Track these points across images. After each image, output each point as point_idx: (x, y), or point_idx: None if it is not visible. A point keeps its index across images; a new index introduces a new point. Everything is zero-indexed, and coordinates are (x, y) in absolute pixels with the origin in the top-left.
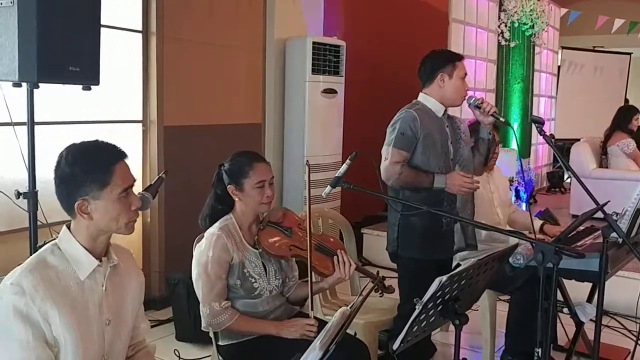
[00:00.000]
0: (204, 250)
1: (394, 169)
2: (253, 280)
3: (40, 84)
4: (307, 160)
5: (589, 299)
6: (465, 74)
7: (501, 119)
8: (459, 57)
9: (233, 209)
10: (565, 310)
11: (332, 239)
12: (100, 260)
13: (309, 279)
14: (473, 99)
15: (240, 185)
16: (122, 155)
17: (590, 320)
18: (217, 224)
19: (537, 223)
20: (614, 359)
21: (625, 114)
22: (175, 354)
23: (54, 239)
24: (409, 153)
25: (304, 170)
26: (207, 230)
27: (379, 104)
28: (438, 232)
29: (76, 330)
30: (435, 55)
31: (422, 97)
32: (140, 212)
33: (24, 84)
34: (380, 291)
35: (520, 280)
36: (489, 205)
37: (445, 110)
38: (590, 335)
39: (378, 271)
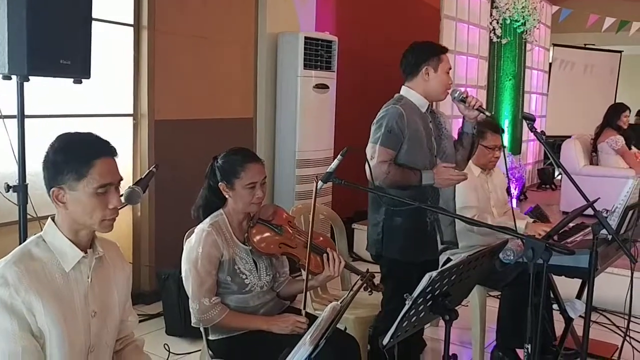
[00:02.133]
0: (194, 247)
1: (381, 168)
2: (244, 277)
3: (30, 77)
4: (317, 177)
5: (579, 296)
6: (450, 68)
7: (487, 113)
8: (444, 50)
9: (225, 204)
10: (555, 306)
11: (322, 237)
12: (86, 252)
13: (305, 279)
14: (457, 92)
15: (231, 184)
16: (108, 151)
17: (580, 316)
18: (207, 220)
19: (524, 222)
20: (602, 354)
21: (614, 111)
22: (165, 349)
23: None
24: (395, 151)
25: (294, 164)
26: (197, 226)
27: (370, 100)
28: (423, 233)
29: (61, 321)
30: (419, 47)
31: (404, 91)
32: (130, 206)
33: (14, 77)
34: (369, 289)
35: (511, 277)
36: (485, 204)
37: (429, 105)
38: (579, 332)
39: (367, 269)
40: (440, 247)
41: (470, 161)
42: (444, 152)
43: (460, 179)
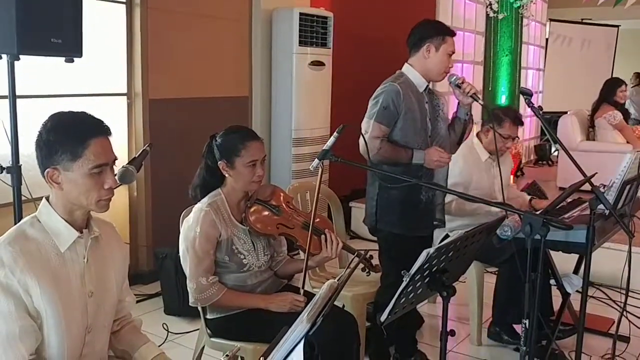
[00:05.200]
0: (192, 226)
1: (373, 143)
2: (242, 257)
3: (21, 56)
4: (322, 163)
5: (576, 271)
6: (453, 52)
7: (480, 101)
8: (451, 33)
9: (223, 184)
10: (552, 281)
11: (319, 218)
12: (81, 232)
13: (305, 260)
14: (454, 77)
15: (231, 163)
16: (102, 131)
17: (577, 291)
18: (205, 199)
19: (525, 198)
20: (598, 328)
21: (610, 86)
22: (164, 328)
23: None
24: (389, 128)
25: (290, 143)
26: (195, 206)
27: (366, 76)
28: (417, 207)
29: (57, 302)
30: (426, 24)
31: (405, 69)
32: (126, 186)
33: (4, 56)
34: (367, 270)
35: (508, 253)
36: (489, 190)
37: (427, 85)
38: (576, 306)
39: (367, 251)
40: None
41: (481, 144)
42: (438, 134)
43: (447, 162)
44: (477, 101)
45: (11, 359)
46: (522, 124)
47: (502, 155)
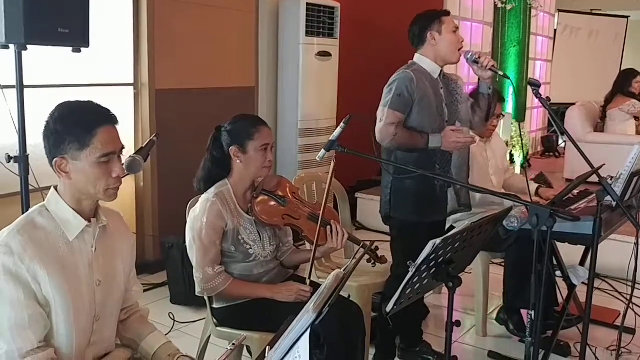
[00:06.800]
0: (198, 216)
1: (388, 130)
2: (248, 247)
3: (28, 46)
4: (335, 158)
5: (582, 262)
6: (457, 27)
7: (500, 72)
8: (445, 12)
9: (230, 175)
10: (558, 273)
11: (325, 210)
12: (89, 221)
13: (312, 251)
14: (470, 53)
15: (244, 147)
16: (109, 120)
17: (582, 283)
18: (212, 190)
19: (533, 186)
20: (604, 320)
21: (626, 77)
22: (170, 317)
23: None
24: (404, 114)
25: (296, 134)
26: (202, 196)
27: (373, 67)
28: (431, 195)
29: (66, 290)
30: (420, 17)
31: (417, 58)
32: (133, 176)
33: (12, 46)
34: (372, 262)
35: (512, 238)
36: (484, 173)
37: (442, 71)
38: (582, 298)
39: (373, 242)
40: (455, 207)
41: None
42: (457, 118)
43: (468, 142)
44: (497, 73)
45: (20, 346)
46: (504, 100)
47: (490, 139)
